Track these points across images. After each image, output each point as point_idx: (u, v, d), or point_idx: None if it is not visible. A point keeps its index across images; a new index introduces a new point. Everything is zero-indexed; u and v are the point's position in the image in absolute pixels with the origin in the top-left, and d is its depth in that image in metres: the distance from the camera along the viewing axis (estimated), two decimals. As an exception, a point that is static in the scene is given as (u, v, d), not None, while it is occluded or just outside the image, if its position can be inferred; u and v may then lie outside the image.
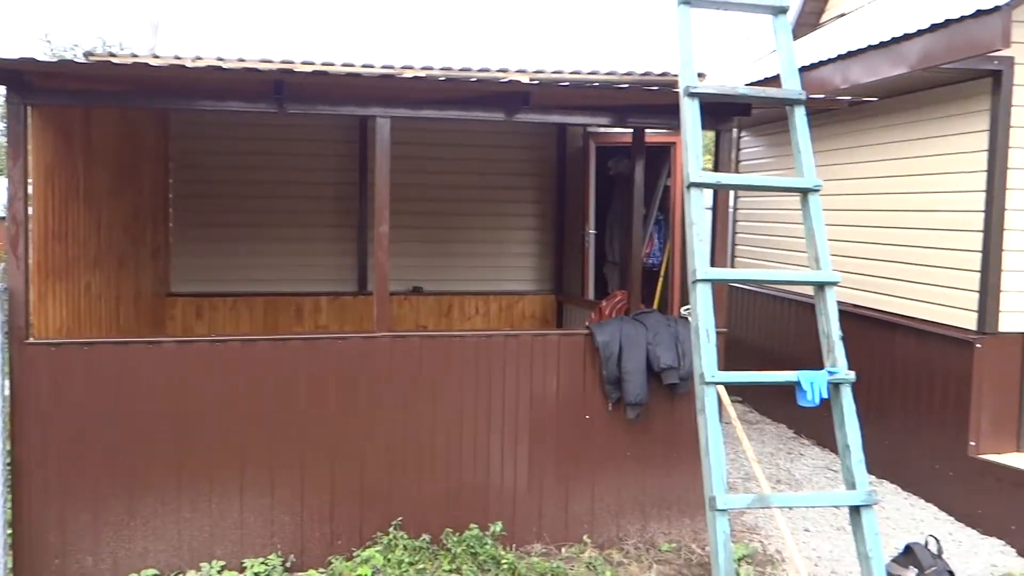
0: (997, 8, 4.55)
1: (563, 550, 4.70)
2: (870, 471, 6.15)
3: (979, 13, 4.65)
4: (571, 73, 7.13)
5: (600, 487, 4.83)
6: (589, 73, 7.08)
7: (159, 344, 4.42)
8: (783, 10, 4.12)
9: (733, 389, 7.79)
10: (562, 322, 7.86)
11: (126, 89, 4.53)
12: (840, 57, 5.92)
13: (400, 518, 4.58)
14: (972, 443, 5.26)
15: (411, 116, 4.63)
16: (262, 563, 4.39)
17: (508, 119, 4.82)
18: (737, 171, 9.16)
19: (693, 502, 4.84)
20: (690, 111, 3.81)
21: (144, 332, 6.37)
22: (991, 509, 5.14)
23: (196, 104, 4.56)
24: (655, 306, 8.15)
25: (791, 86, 3.98)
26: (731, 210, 9.31)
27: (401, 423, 4.59)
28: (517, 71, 7.08)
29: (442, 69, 7.10)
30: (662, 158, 8.30)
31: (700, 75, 7.39)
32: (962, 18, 4.78)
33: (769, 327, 8.11)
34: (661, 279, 8.31)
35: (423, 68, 6.98)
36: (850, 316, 6.39)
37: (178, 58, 6.54)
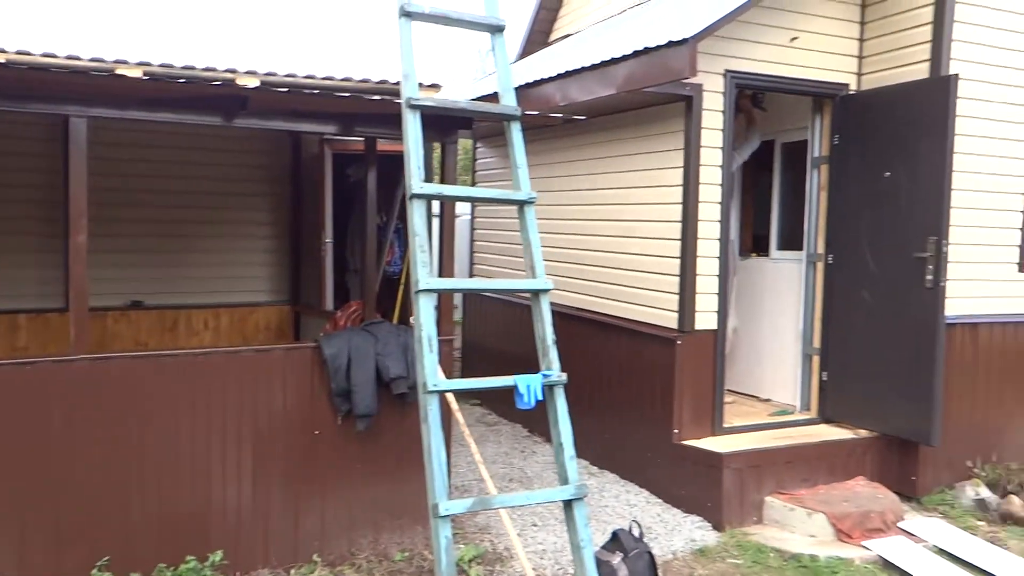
0: (685, 40, 5.07)
1: (292, 572, 4.53)
2: (594, 463, 6.65)
3: (671, 44, 5.16)
4: (305, 77, 6.92)
5: (330, 503, 4.72)
6: (323, 78, 6.91)
7: None
8: (500, 29, 4.27)
9: (473, 393, 8.04)
10: (299, 333, 7.63)
11: None
12: (560, 76, 6.29)
13: (107, 557, 4.16)
14: (676, 431, 5.81)
15: (113, 117, 4.24)
16: (-69, 628, 3.80)
17: (227, 124, 4.57)
18: (474, 182, 9.45)
19: (425, 509, 4.86)
20: (412, 123, 3.85)
21: None
22: (691, 490, 5.72)
23: None
24: (396, 314, 8.16)
25: (508, 102, 4.14)
26: (469, 219, 9.59)
27: (107, 453, 4.17)
28: (246, 72, 6.75)
29: (161, 66, 6.57)
30: (400, 166, 8.30)
31: (434, 86, 7.57)
32: (658, 47, 5.27)
33: (507, 331, 8.43)
34: (401, 287, 8.34)
35: (139, 64, 6.42)
36: (574, 319, 6.84)
37: None
